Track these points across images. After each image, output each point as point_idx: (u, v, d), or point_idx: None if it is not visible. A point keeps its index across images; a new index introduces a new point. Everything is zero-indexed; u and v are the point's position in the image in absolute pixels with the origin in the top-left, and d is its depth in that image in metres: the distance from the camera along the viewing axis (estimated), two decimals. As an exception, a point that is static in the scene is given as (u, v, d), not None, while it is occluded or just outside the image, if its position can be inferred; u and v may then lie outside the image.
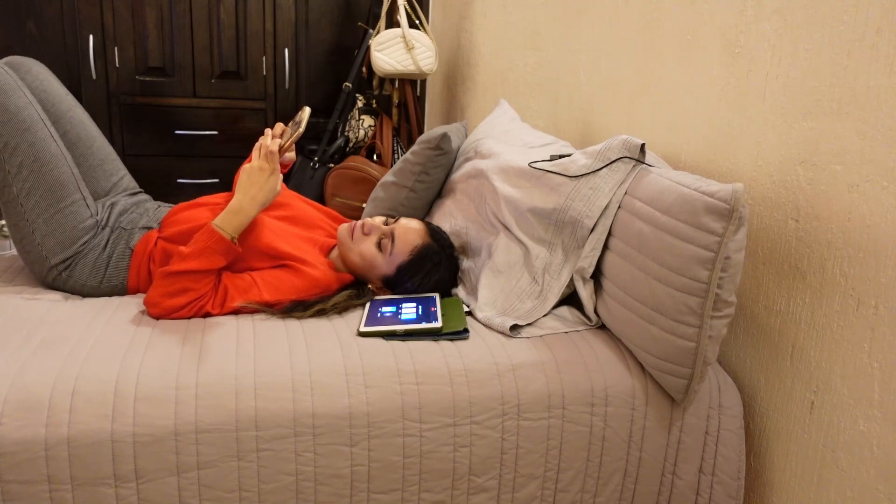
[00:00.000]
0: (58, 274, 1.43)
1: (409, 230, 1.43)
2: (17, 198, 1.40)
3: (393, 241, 1.41)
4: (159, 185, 3.02)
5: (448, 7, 3.04)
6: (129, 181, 1.71)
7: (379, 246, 1.42)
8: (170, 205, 1.67)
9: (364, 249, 1.42)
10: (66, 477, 0.99)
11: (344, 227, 1.45)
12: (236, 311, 1.32)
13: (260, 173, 1.35)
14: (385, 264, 1.42)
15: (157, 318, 1.27)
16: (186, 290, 1.27)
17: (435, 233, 1.46)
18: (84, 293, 1.44)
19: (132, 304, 1.34)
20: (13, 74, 1.43)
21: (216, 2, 2.93)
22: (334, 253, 1.51)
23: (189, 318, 1.28)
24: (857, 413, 1.09)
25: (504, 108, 1.92)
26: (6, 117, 1.38)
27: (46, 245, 1.41)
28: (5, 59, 1.59)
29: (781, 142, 1.22)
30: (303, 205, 1.60)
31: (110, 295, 1.45)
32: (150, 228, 1.54)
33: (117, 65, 2.89)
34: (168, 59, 2.94)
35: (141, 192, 1.73)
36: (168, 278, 1.27)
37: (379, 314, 1.29)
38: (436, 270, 1.43)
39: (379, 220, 1.46)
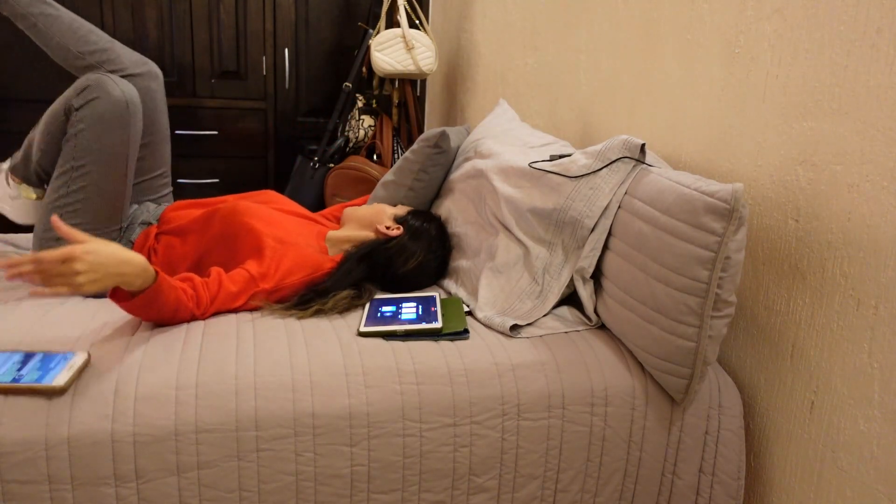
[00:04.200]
0: None
1: None
2: (62, 209, 1.44)
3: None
4: (159, 185, 3.03)
5: (448, 7, 3.04)
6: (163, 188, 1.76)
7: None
8: (167, 203, 1.69)
9: (381, 203, 1.61)
10: (66, 477, 0.99)
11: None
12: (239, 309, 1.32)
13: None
14: (398, 209, 1.59)
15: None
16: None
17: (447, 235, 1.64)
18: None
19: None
20: (134, 104, 1.45)
21: (216, 2, 2.93)
22: (329, 239, 1.56)
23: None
24: (857, 413, 1.09)
25: (504, 108, 1.92)
26: (96, 146, 1.42)
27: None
28: (145, 72, 1.64)
29: (781, 142, 1.22)
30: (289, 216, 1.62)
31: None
32: (148, 224, 1.57)
33: (117, 65, 2.88)
34: (168, 59, 2.94)
35: (161, 195, 1.77)
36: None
37: (379, 314, 1.29)
38: (432, 241, 1.53)
39: None
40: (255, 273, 1.33)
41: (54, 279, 1.02)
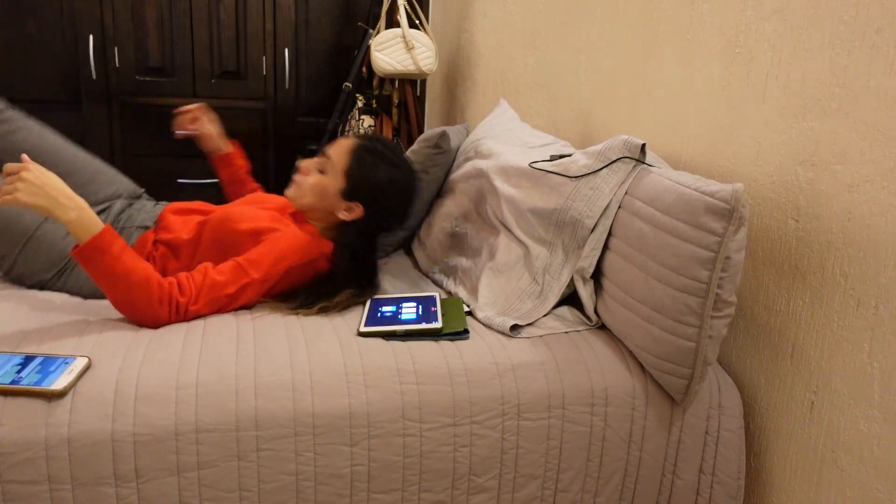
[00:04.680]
0: (54, 283, 1.42)
1: (340, 144, 1.48)
2: None
3: (329, 158, 1.46)
4: (159, 185, 3.02)
5: (448, 7, 3.04)
6: (128, 187, 1.69)
7: (319, 168, 1.47)
8: (165, 202, 1.66)
9: (311, 182, 1.46)
10: (66, 477, 0.99)
11: (288, 190, 1.50)
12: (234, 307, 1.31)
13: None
14: (333, 179, 1.45)
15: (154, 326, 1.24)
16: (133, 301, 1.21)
17: (367, 136, 1.50)
18: (83, 294, 1.44)
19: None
20: None
21: (216, 2, 2.93)
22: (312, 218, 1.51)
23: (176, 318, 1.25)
24: (857, 413, 1.09)
25: (504, 107, 1.92)
26: None
27: (33, 269, 1.41)
28: None
29: (781, 142, 1.22)
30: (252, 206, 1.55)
31: None
32: (146, 228, 1.53)
33: (117, 65, 2.89)
34: (168, 59, 2.94)
35: (141, 196, 1.71)
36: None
37: (379, 314, 1.29)
38: (381, 163, 1.45)
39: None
40: (244, 261, 1.31)
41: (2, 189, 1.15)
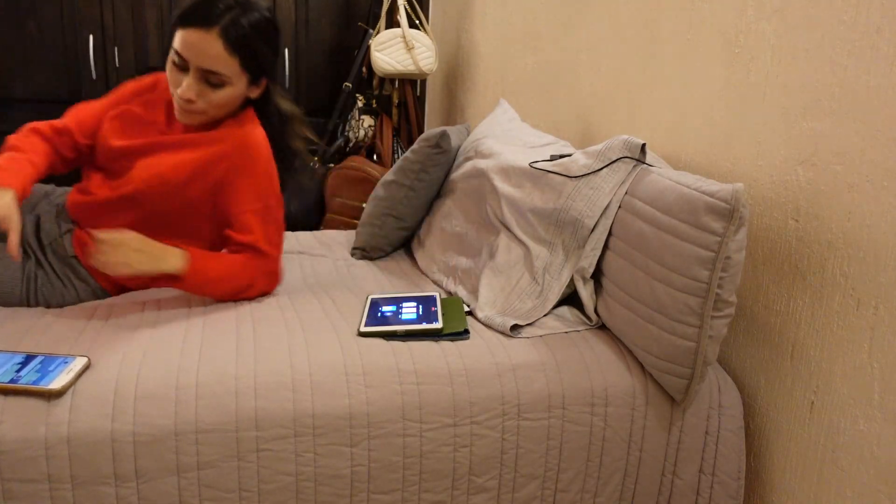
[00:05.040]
0: (33, 301, 1.36)
1: (210, 52, 1.31)
2: None
3: (218, 72, 1.33)
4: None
5: (448, 7, 3.04)
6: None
7: (210, 84, 1.35)
8: (64, 188, 1.56)
9: (220, 101, 1.37)
10: (66, 476, 0.99)
11: (187, 117, 1.38)
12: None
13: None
14: (237, 84, 1.37)
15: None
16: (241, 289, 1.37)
17: (211, 15, 1.31)
18: (67, 304, 1.38)
19: (130, 305, 1.34)
20: None
21: (216, 2, 2.92)
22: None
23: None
24: (857, 413, 1.09)
25: (504, 107, 1.92)
26: None
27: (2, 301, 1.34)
28: None
29: (781, 142, 1.22)
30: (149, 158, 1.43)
31: (96, 296, 1.40)
32: (69, 230, 1.42)
33: (117, 65, 2.89)
34: (168, 59, 2.94)
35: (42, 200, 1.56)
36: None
37: (379, 314, 1.29)
38: (247, 25, 1.33)
39: (185, 85, 1.34)
40: (256, 206, 1.39)
41: (109, 258, 1.23)
